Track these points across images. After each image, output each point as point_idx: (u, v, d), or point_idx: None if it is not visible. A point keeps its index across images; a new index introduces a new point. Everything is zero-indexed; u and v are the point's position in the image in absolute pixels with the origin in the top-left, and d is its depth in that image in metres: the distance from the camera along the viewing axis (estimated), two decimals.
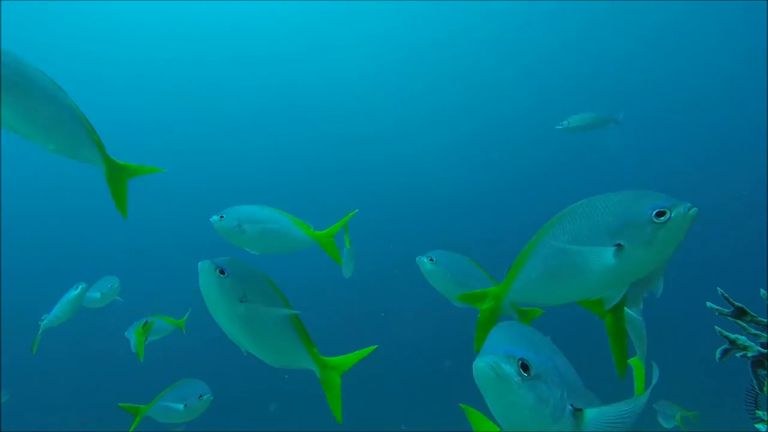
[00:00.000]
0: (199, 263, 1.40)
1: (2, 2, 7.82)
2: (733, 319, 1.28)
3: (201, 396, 2.42)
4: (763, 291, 1.25)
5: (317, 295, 7.15)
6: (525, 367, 0.89)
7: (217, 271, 1.40)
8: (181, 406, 2.37)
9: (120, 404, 2.40)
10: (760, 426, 1.24)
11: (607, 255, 1.10)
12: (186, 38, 9.29)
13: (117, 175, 1.52)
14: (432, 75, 9.74)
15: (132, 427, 2.35)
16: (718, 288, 1.30)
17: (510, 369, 0.89)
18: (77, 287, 2.92)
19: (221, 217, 2.09)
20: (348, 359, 1.66)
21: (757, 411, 1.25)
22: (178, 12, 8.96)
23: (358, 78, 9.66)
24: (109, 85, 9.28)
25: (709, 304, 1.30)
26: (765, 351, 1.23)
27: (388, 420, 6.47)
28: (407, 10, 9.02)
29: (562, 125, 4.14)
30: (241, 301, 1.42)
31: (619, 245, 1.10)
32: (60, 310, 2.91)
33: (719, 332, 1.29)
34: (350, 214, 2.27)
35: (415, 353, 7.66)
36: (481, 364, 0.89)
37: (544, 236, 1.20)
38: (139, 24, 9.05)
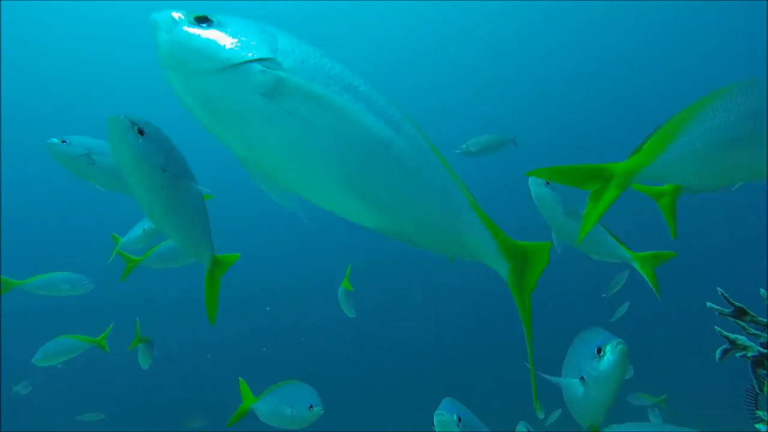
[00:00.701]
0: (108, 118, 1.14)
1: (2, 2, 7.82)
2: (733, 319, 1.28)
3: (311, 406, 2.09)
4: (763, 291, 1.25)
5: (314, 292, 7.15)
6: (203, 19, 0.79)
7: (135, 129, 1.16)
8: (288, 410, 2.08)
9: (240, 379, 2.17)
10: (760, 426, 1.23)
11: None
12: None
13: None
14: (432, 75, 9.74)
15: (234, 418, 2.14)
16: (718, 288, 1.30)
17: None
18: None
19: (64, 141, 1.68)
20: (232, 258, 1.52)
21: (757, 411, 1.25)
22: None
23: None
24: (110, 85, 9.28)
25: (709, 304, 1.30)
26: (765, 351, 1.23)
27: (386, 420, 6.46)
28: (407, 10, 9.02)
29: (460, 149, 4.17)
30: (164, 171, 1.20)
31: None
32: (134, 235, 2.59)
33: (719, 332, 1.29)
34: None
35: (412, 352, 7.65)
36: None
37: (714, 102, 1.03)
38: (140, 24, 9.04)
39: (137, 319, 2.86)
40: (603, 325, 1.57)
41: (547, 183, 1.72)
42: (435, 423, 1.63)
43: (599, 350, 1.48)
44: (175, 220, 1.28)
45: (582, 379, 1.51)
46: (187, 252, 1.40)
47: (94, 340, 2.89)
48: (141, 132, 1.16)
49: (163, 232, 1.34)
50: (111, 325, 2.92)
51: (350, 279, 3.25)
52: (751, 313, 1.26)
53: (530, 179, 1.74)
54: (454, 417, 1.62)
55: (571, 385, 1.55)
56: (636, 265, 1.82)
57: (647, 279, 1.81)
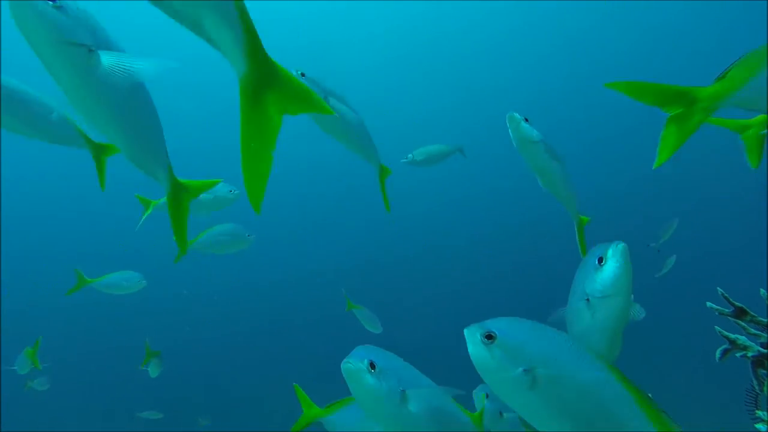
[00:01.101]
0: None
1: (2, 2, 7.82)
2: (733, 319, 1.28)
3: None
4: (763, 291, 1.25)
5: (314, 292, 7.15)
6: None
7: None
8: None
9: (296, 386, 1.93)
10: (760, 426, 1.24)
11: None
12: (186, 37, 9.28)
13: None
14: (432, 75, 9.75)
15: (297, 426, 1.97)
16: (718, 288, 1.30)
17: None
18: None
19: None
20: (203, 184, 1.38)
21: (757, 411, 1.25)
22: None
23: (358, 78, 9.68)
24: None
25: (709, 304, 1.30)
26: (765, 351, 1.23)
27: None
28: (407, 10, 9.02)
29: (407, 158, 4.25)
30: (91, 51, 0.98)
31: None
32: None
33: (719, 332, 1.29)
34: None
35: (412, 352, 7.64)
36: None
37: None
38: (140, 24, 9.05)
39: (146, 340, 3.06)
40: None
41: (526, 119, 1.65)
42: (343, 372, 1.35)
43: (600, 260, 1.24)
44: (113, 116, 1.06)
45: (587, 301, 1.24)
46: (138, 165, 1.20)
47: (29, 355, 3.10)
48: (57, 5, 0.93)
49: (102, 133, 1.10)
50: (39, 338, 3.12)
51: (349, 279, 3.29)
52: (751, 313, 1.26)
53: (508, 117, 1.63)
54: (365, 363, 1.33)
55: (575, 311, 1.26)
56: (575, 224, 1.84)
57: (579, 239, 1.81)
